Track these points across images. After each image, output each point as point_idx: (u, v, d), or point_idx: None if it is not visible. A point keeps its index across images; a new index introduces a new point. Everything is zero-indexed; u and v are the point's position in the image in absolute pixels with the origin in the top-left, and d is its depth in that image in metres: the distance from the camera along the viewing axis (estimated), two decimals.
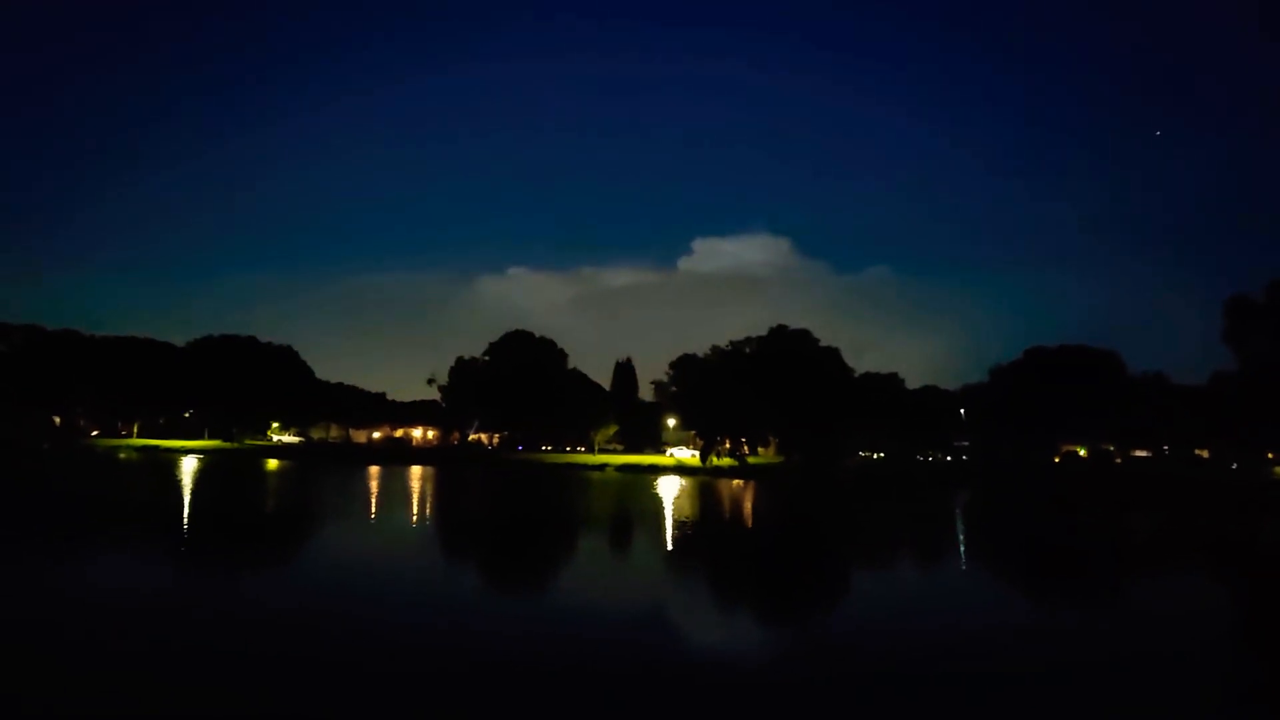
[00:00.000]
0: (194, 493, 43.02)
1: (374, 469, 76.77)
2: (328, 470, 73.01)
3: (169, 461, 79.28)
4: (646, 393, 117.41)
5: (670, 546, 27.62)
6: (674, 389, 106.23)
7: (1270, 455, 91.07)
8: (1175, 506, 54.37)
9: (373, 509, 38.22)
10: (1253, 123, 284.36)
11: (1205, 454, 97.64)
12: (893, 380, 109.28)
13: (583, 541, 30.68)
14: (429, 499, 45.69)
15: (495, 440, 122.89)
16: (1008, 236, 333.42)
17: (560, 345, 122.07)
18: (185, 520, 30.44)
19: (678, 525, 34.51)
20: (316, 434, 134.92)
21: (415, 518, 35.80)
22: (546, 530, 33.32)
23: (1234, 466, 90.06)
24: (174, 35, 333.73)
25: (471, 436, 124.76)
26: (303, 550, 25.36)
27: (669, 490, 57.58)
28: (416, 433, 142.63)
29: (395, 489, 51.17)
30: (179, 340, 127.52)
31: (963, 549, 30.12)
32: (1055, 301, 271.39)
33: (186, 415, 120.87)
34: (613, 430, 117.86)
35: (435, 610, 15.90)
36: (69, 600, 15.30)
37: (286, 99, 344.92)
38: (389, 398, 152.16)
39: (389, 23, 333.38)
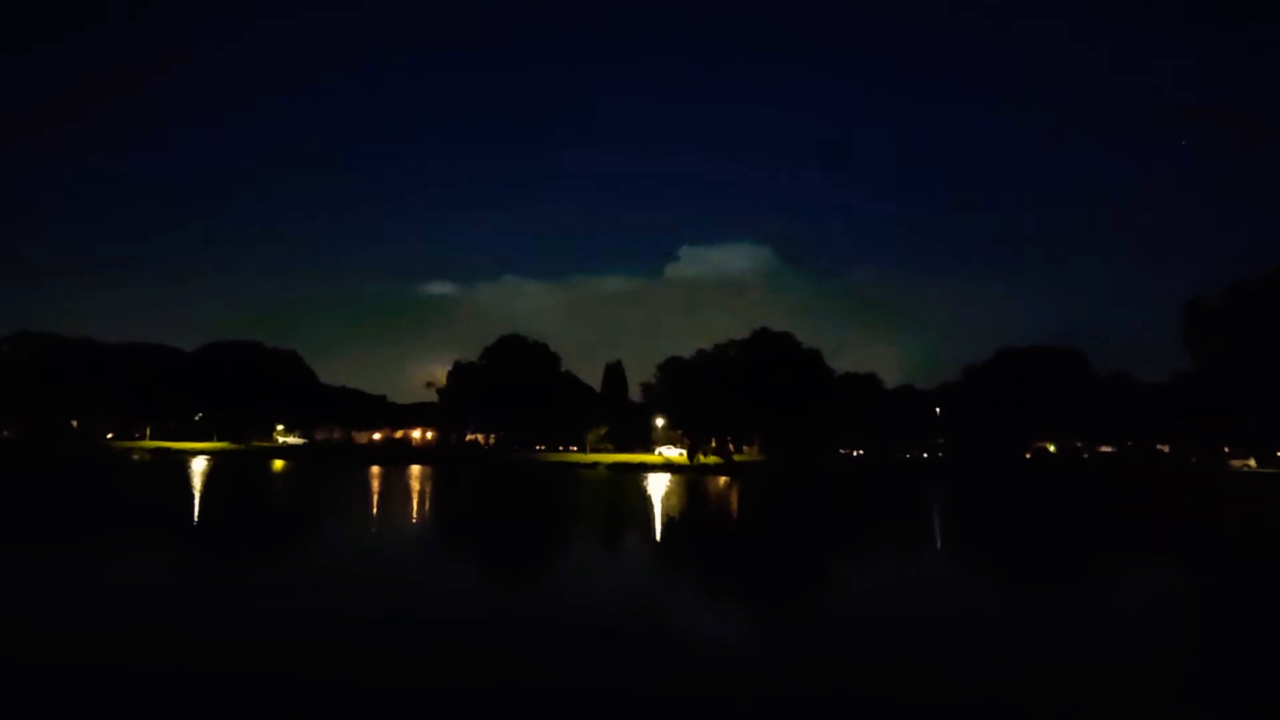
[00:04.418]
0: (213, 491, 45.95)
1: (376, 468, 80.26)
2: (333, 470, 76.31)
3: (181, 462, 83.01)
4: (636, 394, 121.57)
5: (659, 532, 29.63)
6: (662, 390, 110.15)
7: (1226, 449, 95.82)
8: (1134, 497, 58.68)
9: (385, 503, 40.29)
10: (1217, 127, 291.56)
11: (1166, 449, 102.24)
12: (871, 380, 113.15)
13: (581, 528, 32.91)
14: (437, 494, 48.13)
15: (491, 440, 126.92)
16: (982, 242, 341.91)
17: (553, 349, 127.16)
18: (204, 517, 32.77)
19: (665, 515, 36.68)
20: (320, 435, 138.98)
21: (426, 510, 38.14)
22: (549, 520, 35.62)
23: (1193, 460, 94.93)
24: (181, 41, 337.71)
25: (469, 437, 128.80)
26: (322, 541, 27.03)
27: (658, 486, 60.10)
28: (416, 434, 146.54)
29: (400, 486, 53.75)
30: (187, 345, 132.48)
31: (923, 533, 32.37)
32: (1027, 303, 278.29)
33: (196, 418, 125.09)
34: (604, 430, 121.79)
35: (456, 586, 17.99)
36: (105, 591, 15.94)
37: (291, 108, 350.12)
38: (389, 400, 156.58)
39: (390, 35, 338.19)
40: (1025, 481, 76.49)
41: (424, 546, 25.78)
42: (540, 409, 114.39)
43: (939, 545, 28.43)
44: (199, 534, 26.35)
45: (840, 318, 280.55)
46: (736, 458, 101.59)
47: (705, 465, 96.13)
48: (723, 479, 76.20)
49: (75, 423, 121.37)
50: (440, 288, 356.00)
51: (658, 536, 28.61)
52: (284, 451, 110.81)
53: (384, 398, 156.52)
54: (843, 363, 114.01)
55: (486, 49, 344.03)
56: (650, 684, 10.48)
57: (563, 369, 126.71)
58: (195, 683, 10.04)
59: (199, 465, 76.47)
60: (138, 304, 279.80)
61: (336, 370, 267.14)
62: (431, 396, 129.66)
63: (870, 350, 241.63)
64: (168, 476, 58.98)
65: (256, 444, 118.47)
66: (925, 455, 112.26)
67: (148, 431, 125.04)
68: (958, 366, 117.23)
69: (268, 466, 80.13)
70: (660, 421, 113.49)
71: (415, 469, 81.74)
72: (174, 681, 10.08)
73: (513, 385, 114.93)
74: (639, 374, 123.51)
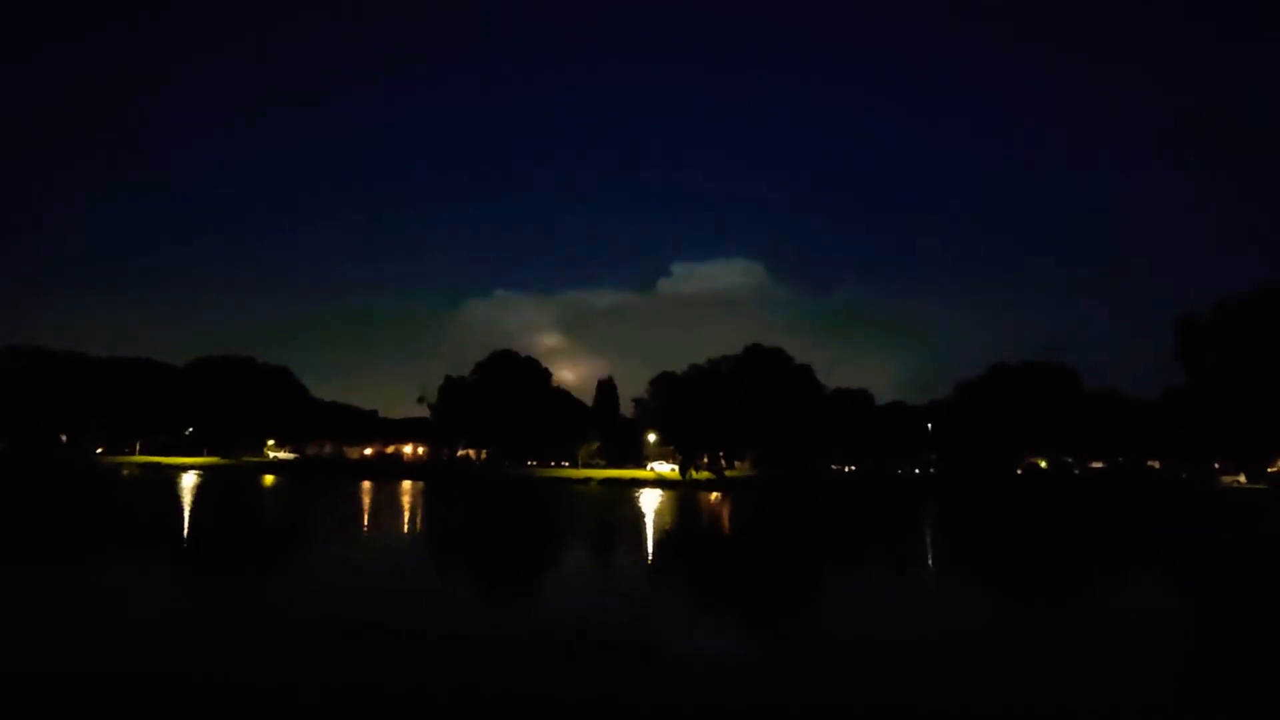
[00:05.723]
0: (201, 506, 45.91)
1: (367, 484, 79.80)
2: (324, 485, 75.91)
3: (170, 477, 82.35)
4: (628, 410, 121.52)
5: (651, 548, 29.52)
6: (654, 406, 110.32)
7: (1217, 465, 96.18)
8: (1125, 511, 58.78)
9: (376, 518, 40.41)
10: (1215, 140, 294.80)
11: (1157, 464, 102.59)
12: (863, 396, 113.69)
13: (575, 544, 32.75)
14: (428, 510, 48.08)
15: (482, 456, 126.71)
16: (975, 257, 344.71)
17: (544, 365, 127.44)
18: (192, 531, 32.94)
19: (658, 530, 36.57)
20: (311, 450, 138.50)
21: (418, 525, 38.31)
22: (543, 535, 35.53)
23: (1184, 476, 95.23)
24: (178, 57, 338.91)
25: (460, 453, 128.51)
26: (314, 554, 27.00)
27: (650, 502, 59.98)
28: (407, 449, 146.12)
29: (392, 502, 53.57)
30: (177, 360, 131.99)
31: (915, 547, 32.49)
32: (1020, 319, 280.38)
33: (187, 433, 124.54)
34: (596, 446, 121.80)
35: (450, 599, 18.12)
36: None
37: (283, 125, 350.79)
38: (380, 415, 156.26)
39: (382, 49, 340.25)
40: (1016, 496, 76.61)
41: (416, 560, 25.71)
42: (532, 425, 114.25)
43: (930, 559, 28.43)
44: (186, 548, 26.12)
45: (832, 334, 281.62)
46: (728, 473, 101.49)
47: (697, 481, 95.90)
48: (715, 494, 76.13)
49: (64, 436, 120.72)
50: (432, 302, 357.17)
51: (651, 551, 28.57)
52: (274, 466, 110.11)
53: (375, 413, 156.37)
54: (835, 378, 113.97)
55: (479, 63, 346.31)
56: (645, 696, 10.45)
57: (554, 384, 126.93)
58: (183, 690, 9.94)
59: (188, 480, 76.03)
60: (129, 318, 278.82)
61: (328, 385, 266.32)
62: (423, 412, 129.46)
63: (862, 366, 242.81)
64: (156, 491, 58.58)
65: (247, 459, 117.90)
66: (917, 470, 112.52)
67: (137, 446, 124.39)
68: (950, 382, 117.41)
69: (258, 482, 79.69)
70: (652, 437, 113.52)
71: (406, 484, 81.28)
72: (164, 689, 9.98)
73: (504, 401, 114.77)
74: (631, 390, 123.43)
